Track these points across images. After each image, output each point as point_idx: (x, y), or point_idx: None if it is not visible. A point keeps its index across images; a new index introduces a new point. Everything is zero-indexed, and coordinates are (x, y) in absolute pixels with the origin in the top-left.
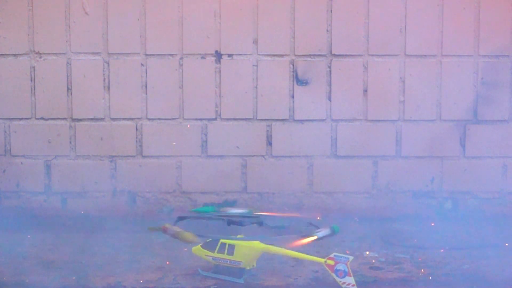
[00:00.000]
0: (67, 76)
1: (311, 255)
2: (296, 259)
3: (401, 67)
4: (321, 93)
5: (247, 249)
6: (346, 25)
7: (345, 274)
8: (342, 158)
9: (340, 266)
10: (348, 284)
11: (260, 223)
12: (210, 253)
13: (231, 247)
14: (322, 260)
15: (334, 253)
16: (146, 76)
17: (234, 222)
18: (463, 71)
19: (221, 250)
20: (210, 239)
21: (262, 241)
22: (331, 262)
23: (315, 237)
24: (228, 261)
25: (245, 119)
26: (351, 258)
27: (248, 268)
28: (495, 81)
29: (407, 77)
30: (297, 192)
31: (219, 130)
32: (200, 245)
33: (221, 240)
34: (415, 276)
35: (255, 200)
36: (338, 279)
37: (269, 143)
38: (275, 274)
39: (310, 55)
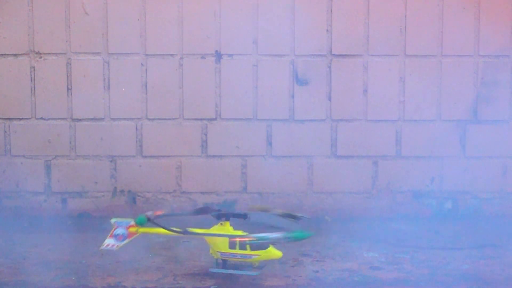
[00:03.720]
0: (67, 76)
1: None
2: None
3: (401, 67)
4: (321, 93)
5: None
6: (346, 25)
7: (124, 238)
8: (342, 158)
9: (119, 231)
10: (114, 245)
11: (245, 217)
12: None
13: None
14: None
15: (114, 219)
16: (146, 76)
17: (222, 216)
18: (463, 71)
19: (232, 246)
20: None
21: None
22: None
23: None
24: (239, 255)
25: (245, 119)
26: (131, 222)
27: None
28: (495, 81)
29: (407, 77)
30: (297, 192)
31: (219, 130)
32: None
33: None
34: (415, 276)
35: (255, 200)
36: (117, 242)
37: (269, 143)
38: (275, 274)
39: (310, 55)
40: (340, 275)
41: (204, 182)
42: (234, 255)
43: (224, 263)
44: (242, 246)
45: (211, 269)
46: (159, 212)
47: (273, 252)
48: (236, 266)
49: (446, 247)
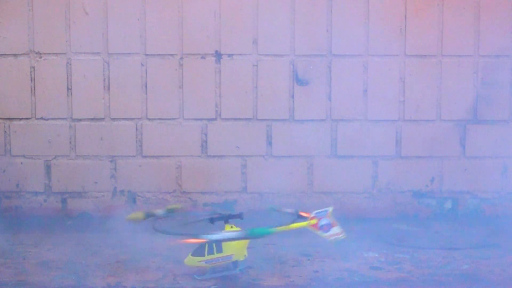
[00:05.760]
0: (67, 76)
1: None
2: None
3: (401, 67)
4: (321, 93)
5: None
6: (346, 25)
7: (329, 227)
8: (342, 158)
9: (323, 221)
10: (336, 234)
11: (241, 217)
12: (201, 258)
13: (219, 243)
14: (305, 223)
15: (314, 212)
16: (146, 76)
17: (217, 219)
18: (463, 71)
19: (210, 251)
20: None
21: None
22: (314, 222)
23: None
24: (220, 258)
25: (245, 119)
26: (330, 209)
27: (241, 259)
28: (495, 81)
29: (407, 77)
30: (297, 192)
31: (219, 130)
32: (190, 254)
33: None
34: (415, 276)
35: (255, 200)
36: (325, 234)
37: (269, 143)
38: (275, 274)
39: (310, 55)
40: (340, 275)
41: (204, 182)
42: (217, 259)
43: (212, 269)
44: (219, 249)
45: (198, 277)
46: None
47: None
48: (220, 269)
49: (446, 247)
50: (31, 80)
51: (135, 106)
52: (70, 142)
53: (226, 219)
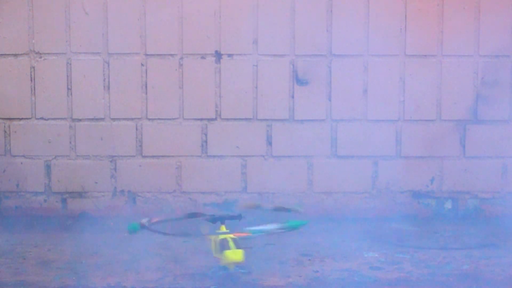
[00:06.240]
0: (67, 76)
1: None
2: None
3: (401, 67)
4: (321, 93)
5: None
6: (346, 25)
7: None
8: (342, 158)
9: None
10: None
11: (240, 217)
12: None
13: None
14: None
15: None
16: (146, 76)
17: (217, 219)
18: (463, 71)
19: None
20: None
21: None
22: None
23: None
24: None
25: (245, 119)
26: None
27: None
28: (495, 81)
29: (407, 77)
30: (297, 192)
31: (219, 130)
32: (234, 248)
33: (229, 240)
34: (415, 276)
35: (255, 200)
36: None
37: (269, 143)
38: (275, 274)
39: (310, 55)
40: (340, 275)
41: (204, 182)
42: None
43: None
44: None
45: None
46: (155, 219)
47: (231, 256)
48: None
49: (446, 247)
50: (31, 80)
51: (135, 106)
52: (70, 142)
53: (223, 219)
